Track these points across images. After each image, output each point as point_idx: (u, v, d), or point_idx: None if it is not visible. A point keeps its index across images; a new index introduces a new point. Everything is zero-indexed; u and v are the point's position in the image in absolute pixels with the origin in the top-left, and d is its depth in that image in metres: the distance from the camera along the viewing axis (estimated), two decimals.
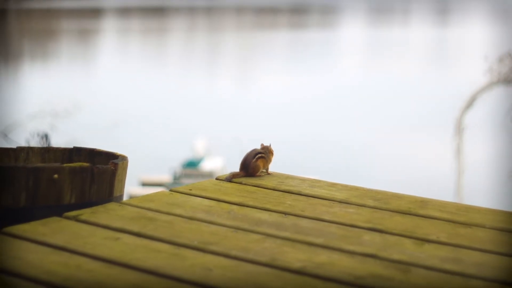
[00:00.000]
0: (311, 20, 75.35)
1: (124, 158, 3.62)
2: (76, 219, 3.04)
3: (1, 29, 63.32)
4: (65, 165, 3.38)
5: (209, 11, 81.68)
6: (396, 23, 69.02)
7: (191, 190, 3.45)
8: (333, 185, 3.58)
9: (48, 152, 3.93)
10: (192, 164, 27.70)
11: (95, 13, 79.49)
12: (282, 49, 55.99)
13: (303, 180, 3.65)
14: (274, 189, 3.49)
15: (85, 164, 3.42)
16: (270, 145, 3.71)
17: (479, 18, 67.07)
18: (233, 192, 3.44)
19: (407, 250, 2.76)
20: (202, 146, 27.99)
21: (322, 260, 2.65)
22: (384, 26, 67.12)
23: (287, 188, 3.51)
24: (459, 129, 15.31)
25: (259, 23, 72.43)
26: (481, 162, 19.61)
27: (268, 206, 3.25)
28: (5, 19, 72.89)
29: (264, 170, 3.68)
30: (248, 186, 3.52)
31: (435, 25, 68.51)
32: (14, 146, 3.96)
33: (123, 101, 35.27)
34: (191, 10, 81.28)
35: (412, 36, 62.04)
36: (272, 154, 3.69)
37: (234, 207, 3.22)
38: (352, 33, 65.83)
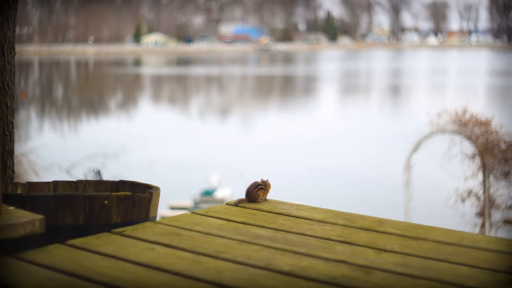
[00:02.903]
0: (298, 85, 75.75)
1: (157, 189, 3.64)
2: (121, 234, 3.05)
3: (65, 96, 63.60)
4: (113, 193, 3.39)
5: (220, 78, 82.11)
6: (361, 89, 69.22)
7: (207, 212, 3.46)
8: (314, 208, 3.58)
9: (100, 184, 3.95)
10: (208, 193, 27.56)
11: (137, 78, 79.89)
12: (276, 105, 56.23)
13: (291, 205, 3.65)
14: (269, 212, 3.49)
15: (128, 193, 3.43)
16: (267, 179, 3.73)
17: (424, 90, 67.54)
18: (239, 214, 3.44)
19: (369, 257, 2.76)
20: (215, 179, 27.91)
21: (305, 265, 2.65)
22: (352, 91, 67.36)
23: (279, 211, 3.51)
24: (408, 167, 15.31)
25: (259, 87, 72.88)
26: (424, 192, 19.63)
27: (265, 224, 3.25)
28: (68, 85, 73.22)
29: (263, 198, 3.69)
30: (250, 210, 3.53)
31: (391, 88, 68.95)
32: (74, 179, 3.98)
33: (157, 145, 35.25)
34: (208, 78, 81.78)
35: (372, 98, 62.23)
36: (269, 186, 3.71)
37: (240, 225, 3.23)
38: (327, 94, 66.17)
